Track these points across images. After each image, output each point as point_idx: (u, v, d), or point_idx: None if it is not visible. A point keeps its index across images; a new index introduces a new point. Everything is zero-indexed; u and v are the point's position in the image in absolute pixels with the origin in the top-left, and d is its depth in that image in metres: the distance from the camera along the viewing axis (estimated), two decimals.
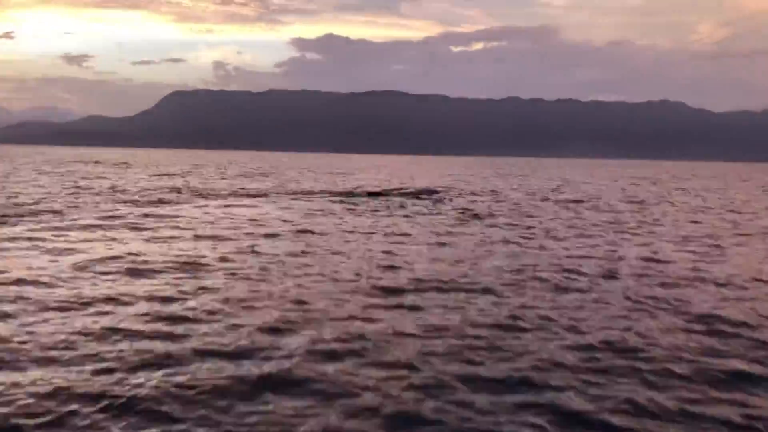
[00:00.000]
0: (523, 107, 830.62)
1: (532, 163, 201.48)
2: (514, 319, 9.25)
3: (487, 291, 11.02)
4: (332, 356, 7.55)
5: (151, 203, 25.93)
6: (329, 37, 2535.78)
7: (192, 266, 12.47)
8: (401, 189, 35.25)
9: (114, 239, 15.71)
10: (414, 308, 9.83)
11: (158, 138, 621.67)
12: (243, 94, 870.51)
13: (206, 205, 25.34)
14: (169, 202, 26.41)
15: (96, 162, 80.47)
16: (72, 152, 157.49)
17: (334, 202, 28.47)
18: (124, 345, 7.76)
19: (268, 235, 16.97)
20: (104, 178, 44.18)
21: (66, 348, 7.60)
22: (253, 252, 14.31)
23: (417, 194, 32.94)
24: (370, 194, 32.04)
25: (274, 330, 8.51)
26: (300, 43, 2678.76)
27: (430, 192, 34.62)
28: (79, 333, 8.17)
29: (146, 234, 16.74)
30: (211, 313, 9.17)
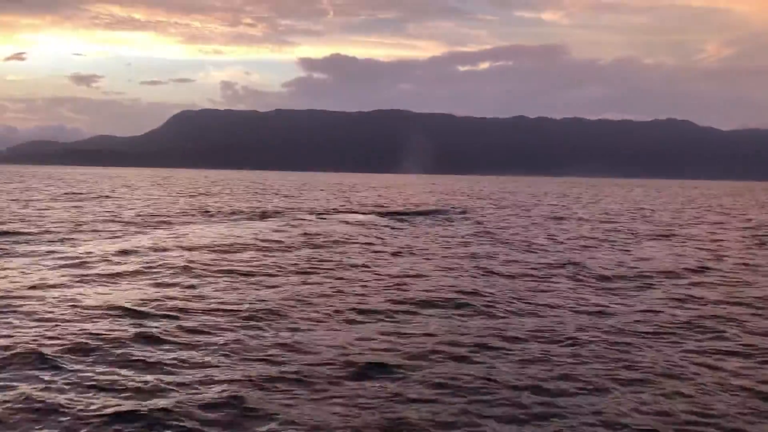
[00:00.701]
0: (530, 126, 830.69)
1: (539, 182, 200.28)
2: None
3: None
4: None
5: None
6: (336, 57, 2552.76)
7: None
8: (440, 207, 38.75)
9: None
10: None
11: (166, 157, 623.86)
12: (250, 113, 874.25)
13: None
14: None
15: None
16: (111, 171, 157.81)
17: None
18: None
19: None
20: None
21: None
22: None
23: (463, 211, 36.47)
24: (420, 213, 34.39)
25: None
26: (307, 63, 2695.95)
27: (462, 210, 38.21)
28: None
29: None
30: None
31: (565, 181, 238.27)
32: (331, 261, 18.42)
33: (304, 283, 15.15)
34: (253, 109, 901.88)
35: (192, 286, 14.16)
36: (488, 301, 13.59)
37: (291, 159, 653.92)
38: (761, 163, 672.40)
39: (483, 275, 16.93)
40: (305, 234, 24.20)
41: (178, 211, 34.84)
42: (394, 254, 19.61)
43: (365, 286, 14.78)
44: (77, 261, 17.73)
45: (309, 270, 16.64)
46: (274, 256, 18.56)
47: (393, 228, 27.42)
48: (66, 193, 55.74)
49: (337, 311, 12.11)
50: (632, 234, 29.68)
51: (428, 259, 19.58)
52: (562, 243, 24.63)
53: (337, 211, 36.35)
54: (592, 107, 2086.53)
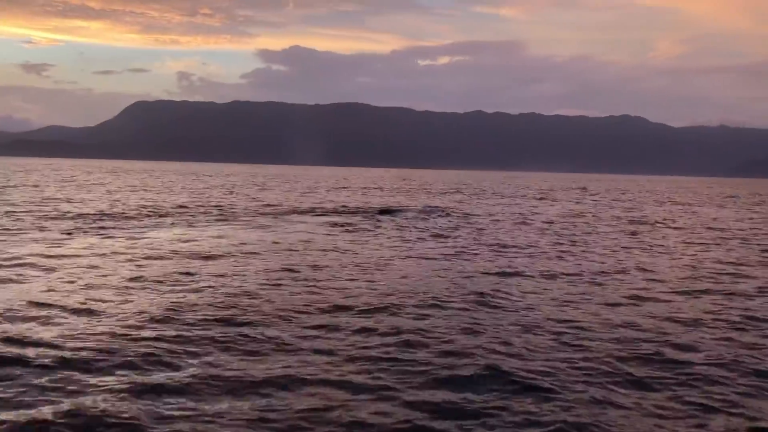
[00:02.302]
0: (488, 121, 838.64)
1: (493, 176, 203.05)
2: None
3: None
4: None
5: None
6: (295, 49, 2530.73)
7: None
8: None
9: None
10: None
11: (120, 149, 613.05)
12: (207, 104, 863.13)
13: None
14: None
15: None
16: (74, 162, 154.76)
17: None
18: None
19: None
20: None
21: None
22: None
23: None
24: (382, 212, 33.64)
25: None
26: (266, 55, 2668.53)
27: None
28: None
29: None
30: None
31: (512, 175, 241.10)
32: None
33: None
34: (210, 101, 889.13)
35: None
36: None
37: (248, 151, 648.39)
38: (709, 159, 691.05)
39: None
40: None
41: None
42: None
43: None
44: None
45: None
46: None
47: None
48: None
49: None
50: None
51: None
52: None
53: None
54: (548, 103, 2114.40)
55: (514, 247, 22.07)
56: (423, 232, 25.38)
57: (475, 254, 19.75)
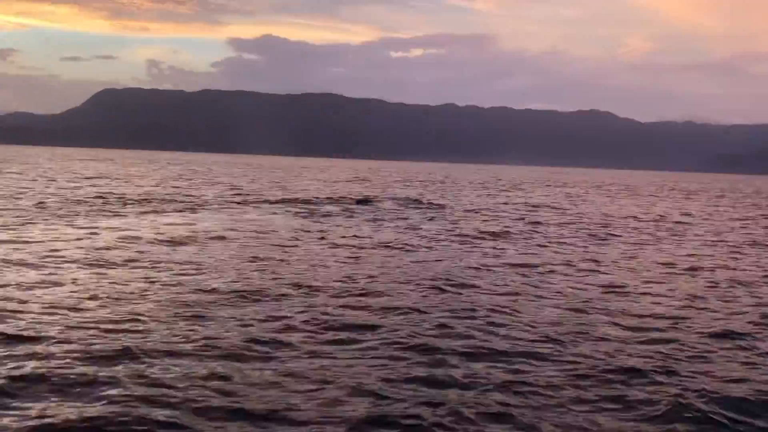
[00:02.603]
0: (459, 114, 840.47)
1: (469, 168, 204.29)
2: None
3: None
4: None
5: None
6: (267, 38, 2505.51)
7: None
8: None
9: None
10: None
11: (87, 136, 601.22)
12: (176, 93, 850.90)
13: None
14: None
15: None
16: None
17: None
18: None
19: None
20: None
21: None
22: None
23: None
24: (359, 201, 33.60)
25: None
26: (237, 44, 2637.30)
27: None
28: None
29: None
30: None
31: (481, 168, 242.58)
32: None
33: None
34: (179, 89, 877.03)
35: None
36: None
37: (218, 140, 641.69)
38: (676, 154, 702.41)
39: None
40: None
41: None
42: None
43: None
44: None
45: None
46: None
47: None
48: None
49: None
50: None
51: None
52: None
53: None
54: (519, 97, 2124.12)
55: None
56: (399, 221, 25.73)
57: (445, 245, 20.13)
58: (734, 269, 18.48)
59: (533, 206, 38.05)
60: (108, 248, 16.98)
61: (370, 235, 21.61)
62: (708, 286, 15.67)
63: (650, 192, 75.23)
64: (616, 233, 26.34)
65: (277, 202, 34.12)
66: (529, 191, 64.84)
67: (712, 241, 25.68)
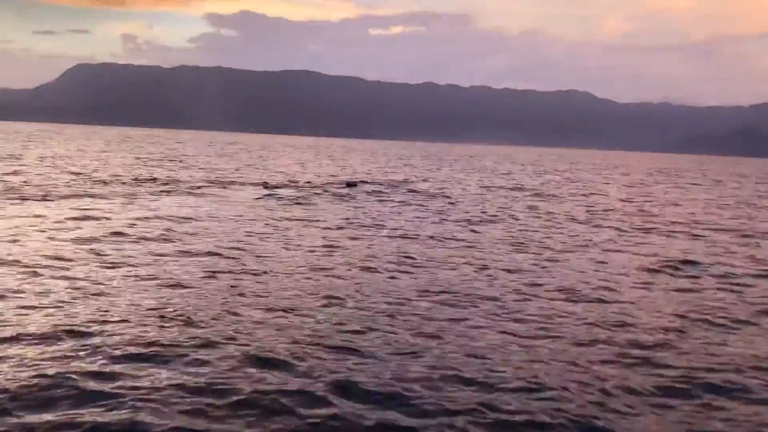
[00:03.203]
0: (439, 93, 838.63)
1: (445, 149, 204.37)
2: None
3: None
4: None
5: None
6: (245, 14, 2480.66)
7: None
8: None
9: None
10: None
11: (62, 112, 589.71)
12: (153, 69, 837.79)
13: None
14: None
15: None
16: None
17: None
18: None
19: None
20: None
21: None
22: None
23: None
24: (349, 184, 31.99)
25: None
26: (215, 19, 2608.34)
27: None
28: None
29: None
30: None
31: (465, 149, 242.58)
32: None
33: None
34: (156, 65, 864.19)
35: None
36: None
37: (195, 117, 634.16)
38: (652, 134, 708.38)
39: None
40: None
41: None
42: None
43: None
44: None
45: None
46: None
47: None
48: None
49: None
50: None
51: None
52: None
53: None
54: (498, 76, 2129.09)
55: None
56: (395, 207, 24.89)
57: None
58: None
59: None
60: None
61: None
62: None
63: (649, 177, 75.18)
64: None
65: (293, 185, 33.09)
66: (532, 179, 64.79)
67: None
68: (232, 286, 11.27)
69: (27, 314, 9.01)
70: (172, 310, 9.59)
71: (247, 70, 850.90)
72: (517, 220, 23.10)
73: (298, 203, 24.79)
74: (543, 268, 14.25)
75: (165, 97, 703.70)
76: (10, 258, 12.44)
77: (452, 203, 27.55)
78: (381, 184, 35.27)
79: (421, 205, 26.12)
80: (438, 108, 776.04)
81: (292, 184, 32.84)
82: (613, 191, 40.56)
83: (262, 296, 10.65)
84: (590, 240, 18.80)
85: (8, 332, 8.26)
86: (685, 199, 36.77)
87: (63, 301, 9.74)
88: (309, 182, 34.47)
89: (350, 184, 32.75)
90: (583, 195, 36.09)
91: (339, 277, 12.29)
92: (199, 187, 28.83)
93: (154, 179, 31.83)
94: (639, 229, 22.02)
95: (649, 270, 14.51)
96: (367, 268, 13.27)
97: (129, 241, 15.03)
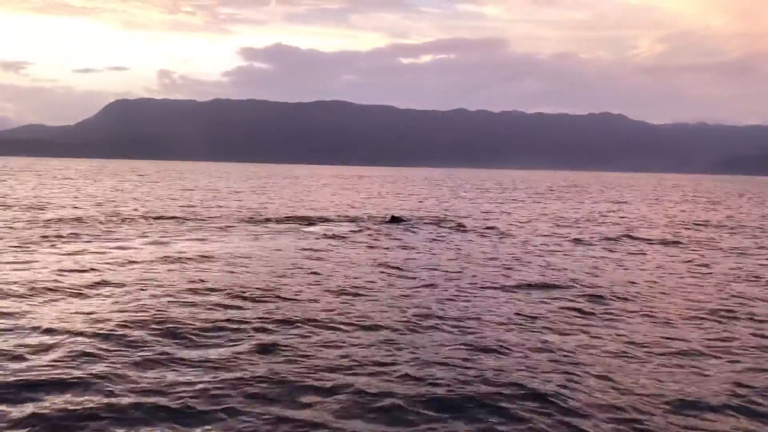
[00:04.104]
0: (470, 119, 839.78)
1: (480, 174, 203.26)
2: None
3: None
4: None
5: None
6: (278, 47, 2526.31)
7: None
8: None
9: None
10: None
11: (100, 148, 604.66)
12: (188, 102, 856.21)
13: None
14: None
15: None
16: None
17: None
18: None
19: None
20: None
21: None
22: None
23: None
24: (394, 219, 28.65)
25: None
26: (248, 53, 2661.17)
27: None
28: None
29: None
30: None
31: (502, 173, 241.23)
32: None
33: None
34: (191, 99, 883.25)
35: None
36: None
37: (229, 149, 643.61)
38: (688, 156, 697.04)
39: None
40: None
41: None
42: None
43: None
44: None
45: None
46: None
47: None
48: None
49: None
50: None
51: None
52: None
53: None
54: (530, 100, 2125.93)
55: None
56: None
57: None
58: None
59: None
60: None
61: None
62: None
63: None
64: None
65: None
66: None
67: None
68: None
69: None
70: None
71: (280, 102, 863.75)
72: None
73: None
74: None
75: (200, 130, 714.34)
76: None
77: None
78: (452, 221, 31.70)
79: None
80: (470, 134, 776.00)
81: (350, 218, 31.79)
82: None
83: None
84: None
85: None
86: None
87: None
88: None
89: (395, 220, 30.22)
90: None
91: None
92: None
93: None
94: None
95: None
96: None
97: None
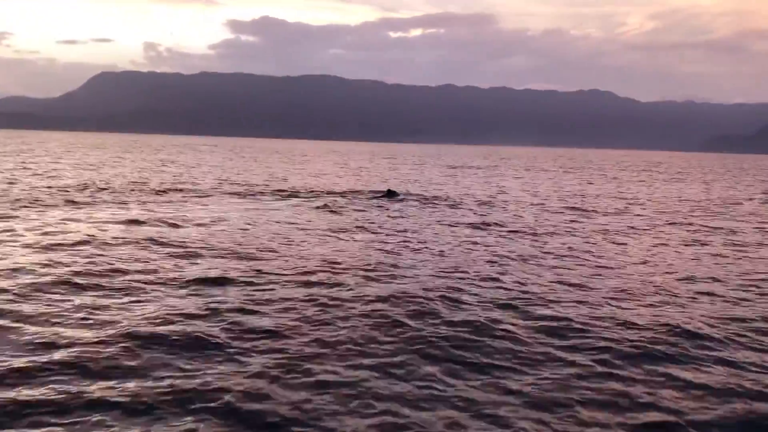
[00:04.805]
0: (458, 94, 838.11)
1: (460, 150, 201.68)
2: None
3: None
4: None
5: None
6: (265, 20, 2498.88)
7: None
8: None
9: None
10: None
11: (85, 121, 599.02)
12: (174, 76, 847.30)
13: None
14: None
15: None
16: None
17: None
18: None
19: None
20: None
21: None
22: None
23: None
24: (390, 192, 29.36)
25: None
26: (235, 25, 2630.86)
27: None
28: None
29: None
30: None
31: (488, 150, 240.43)
32: None
33: None
34: (177, 72, 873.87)
35: None
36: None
37: (215, 123, 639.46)
38: (675, 134, 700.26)
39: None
40: None
41: None
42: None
43: None
44: None
45: None
46: None
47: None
48: None
49: None
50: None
51: None
52: None
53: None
54: (519, 77, 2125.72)
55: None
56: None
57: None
58: None
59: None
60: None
61: None
62: None
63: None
64: None
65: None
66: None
67: None
68: None
69: None
70: None
71: (268, 75, 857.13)
72: None
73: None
74: None
75: (187, 103, 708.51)
76: None
77: None
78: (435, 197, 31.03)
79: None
80: (457, 110, 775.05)
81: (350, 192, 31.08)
82: None
83: None
84: None
85: None
86: None
87: None
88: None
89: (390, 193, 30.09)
90: None
91: None
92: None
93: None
94: None
95: None
96: None
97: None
